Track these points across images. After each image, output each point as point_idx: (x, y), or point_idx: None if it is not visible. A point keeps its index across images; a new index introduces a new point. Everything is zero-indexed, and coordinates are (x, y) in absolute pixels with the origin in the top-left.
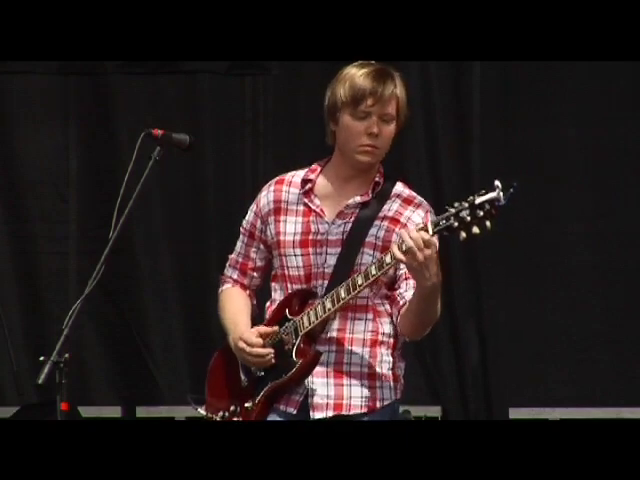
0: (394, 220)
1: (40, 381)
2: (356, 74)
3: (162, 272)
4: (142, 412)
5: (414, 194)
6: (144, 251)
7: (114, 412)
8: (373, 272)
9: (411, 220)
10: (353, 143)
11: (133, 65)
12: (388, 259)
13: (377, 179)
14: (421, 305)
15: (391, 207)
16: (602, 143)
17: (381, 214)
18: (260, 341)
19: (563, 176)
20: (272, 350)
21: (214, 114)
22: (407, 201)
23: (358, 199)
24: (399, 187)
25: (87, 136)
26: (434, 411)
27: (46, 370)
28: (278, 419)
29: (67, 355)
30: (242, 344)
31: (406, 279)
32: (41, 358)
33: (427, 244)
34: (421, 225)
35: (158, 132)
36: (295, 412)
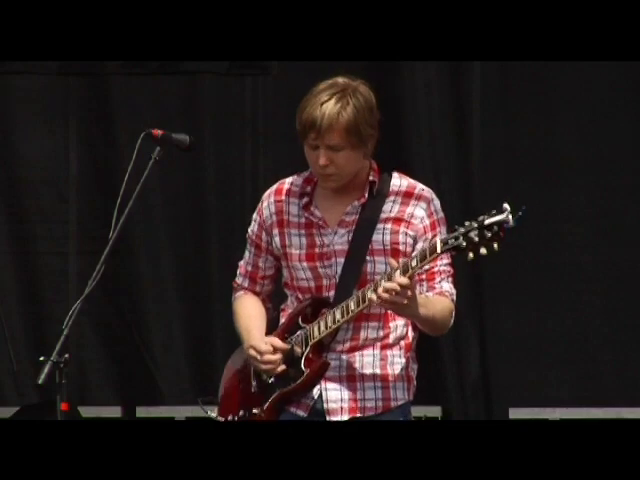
0: (397, 220)
1: (40, 381)
2: (305, 103)
3: (162, 272)
4: (142, 412)
5: (413, 184)
6: (144, 251)
7: (114, 412)
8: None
9: (414, 215)
10: (313, 170)
11: (133, 65)
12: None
13: (371, 178)
14: (423, 323)
15: (392, 207)
16: (602, 143)
17: (383, 215)
18: (270, 348)
19: (563, 176)
20: (280, 356)
21: (214, 114)
22: (407, 195)
23: (356, 203)
24: (396, 181)
25: (87, 136)
26: (434, 411)
27: (46, 370)
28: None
29: (67, 355)
30: (253, 352)
31: (428, 280)
32: (41, 358)
33: (407, 287)
34: (430, 243)
35: (158, 132)
36: (306, 415)
